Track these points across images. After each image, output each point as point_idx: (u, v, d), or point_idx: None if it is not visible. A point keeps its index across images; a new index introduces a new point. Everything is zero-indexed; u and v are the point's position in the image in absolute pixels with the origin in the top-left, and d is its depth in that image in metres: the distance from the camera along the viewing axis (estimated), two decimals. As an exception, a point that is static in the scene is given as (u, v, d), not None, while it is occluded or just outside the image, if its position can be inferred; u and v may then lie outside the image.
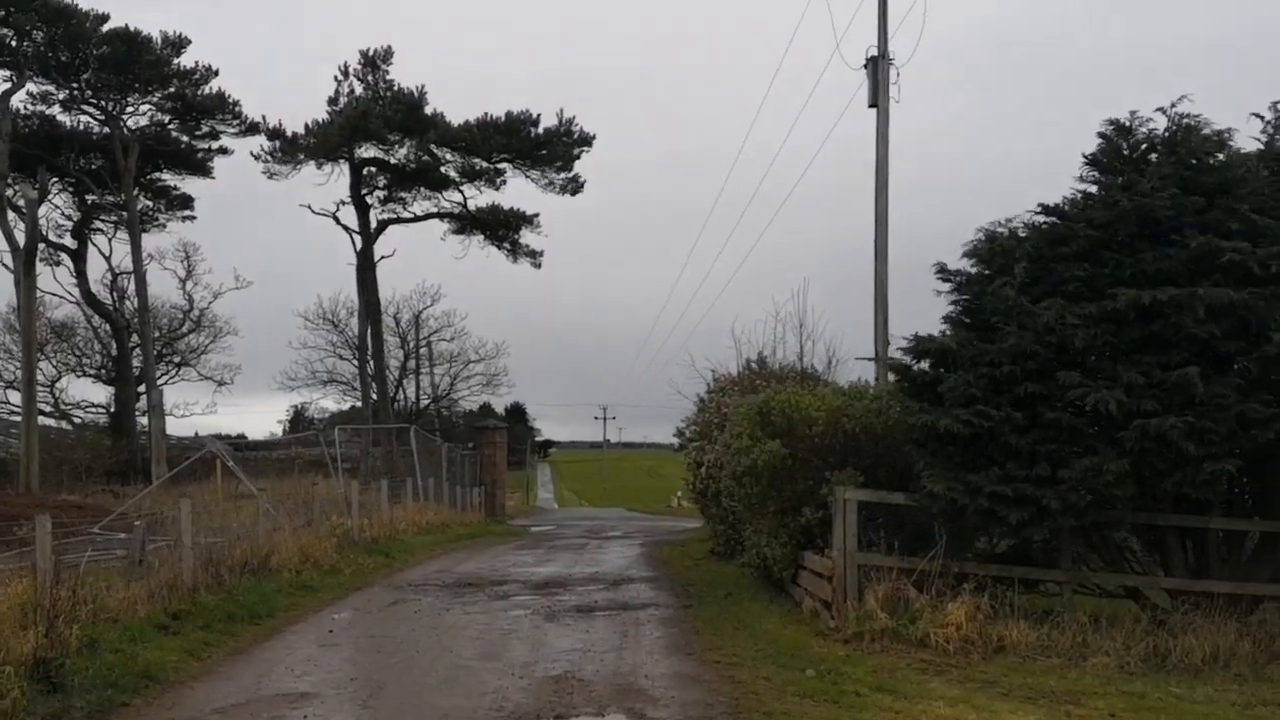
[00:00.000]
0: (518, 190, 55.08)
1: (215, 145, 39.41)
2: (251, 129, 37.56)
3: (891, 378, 11.07)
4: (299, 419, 58.10)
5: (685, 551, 20.34)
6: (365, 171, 34.71)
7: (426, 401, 47.54)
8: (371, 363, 35.66)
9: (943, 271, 10.94)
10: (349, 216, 35.24)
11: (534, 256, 37.87)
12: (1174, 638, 9.20)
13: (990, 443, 9.78)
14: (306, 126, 34.08)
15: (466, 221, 36.78)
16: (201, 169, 40.33)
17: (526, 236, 37.99)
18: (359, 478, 31.06)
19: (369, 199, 35.08)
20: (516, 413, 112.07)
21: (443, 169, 34.81)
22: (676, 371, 68.35)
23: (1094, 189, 10.55)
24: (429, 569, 17.41)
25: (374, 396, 35.39)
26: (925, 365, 10.62)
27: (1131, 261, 9.81)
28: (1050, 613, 10.02)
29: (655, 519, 43.19)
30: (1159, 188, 9.81)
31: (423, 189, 35.71)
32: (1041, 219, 10.60)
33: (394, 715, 7.53)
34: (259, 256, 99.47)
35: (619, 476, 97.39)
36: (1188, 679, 8.54)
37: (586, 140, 34.16)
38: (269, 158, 34.46)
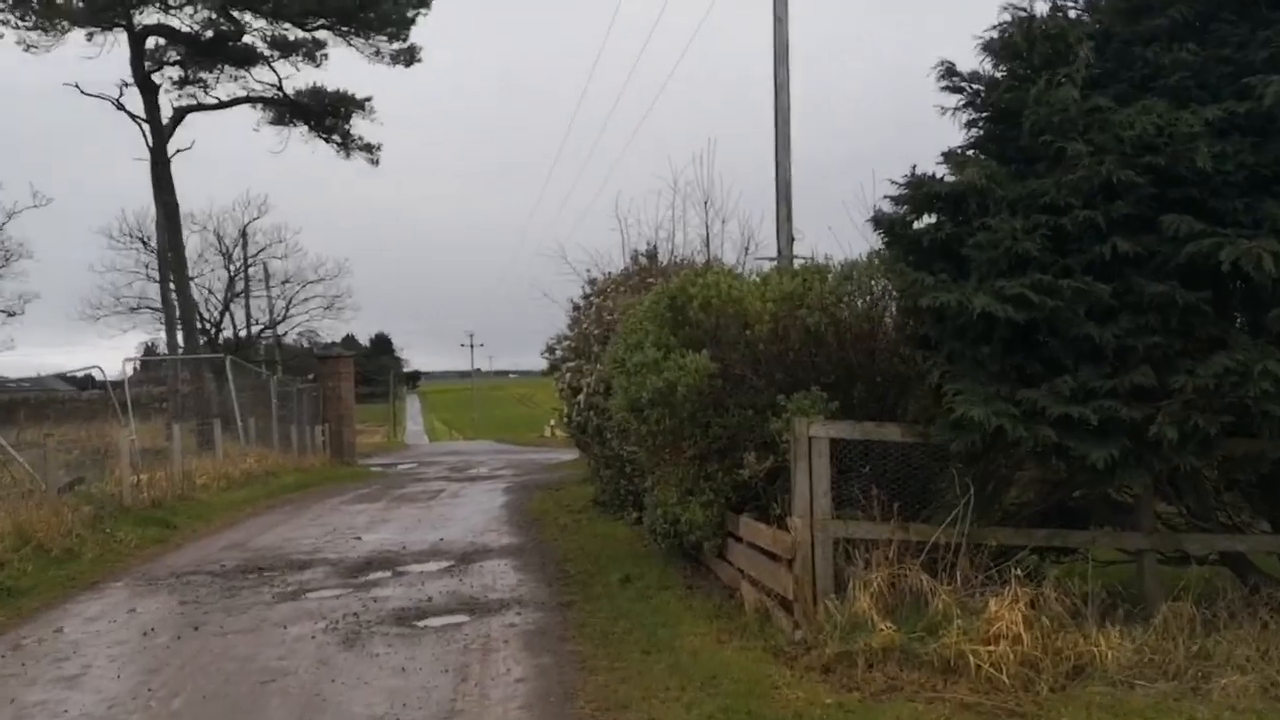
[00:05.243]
0: (345, 70, 48.50)
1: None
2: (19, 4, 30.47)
3: (878, 242, 7.15)
4: (150, 356, 51.75)
5: (560, 500, 16.30)
6: (151, 43, 28.19)
7: (260, 329, 41.49)
8: (174, 279, 29.45)
9: (950, 76, 7.04)
10: (136, 103, 28.62)
11: (370, 151, 31.47)
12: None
13: (1051, 337, 6.05)
14: (70, -16, 27.02)
15: (284, 108, 30.45)
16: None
17: (359, 126, 31.57)
18: (168, 421, 26.08)
19: (157, 79, 28.55)
20: (381, 342, 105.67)
21: (247, 38, 28.64)
22: (546, 273, 59.44)
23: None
24: (216, 543, 12.94)
25: (179, 320, 29.35)
26: (931, 220, 6.76)
27: (1265, 37, 6.11)
28: (1116, 597, 6.49)
29: (526, 451, 39.14)
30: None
31: (227, 67, 29.35)
32: (1109, -16, 6.78)
33: None
34: (66, 172, 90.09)
35: (490, 406, 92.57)
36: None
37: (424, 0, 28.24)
38: (20, 23, 27.41)
